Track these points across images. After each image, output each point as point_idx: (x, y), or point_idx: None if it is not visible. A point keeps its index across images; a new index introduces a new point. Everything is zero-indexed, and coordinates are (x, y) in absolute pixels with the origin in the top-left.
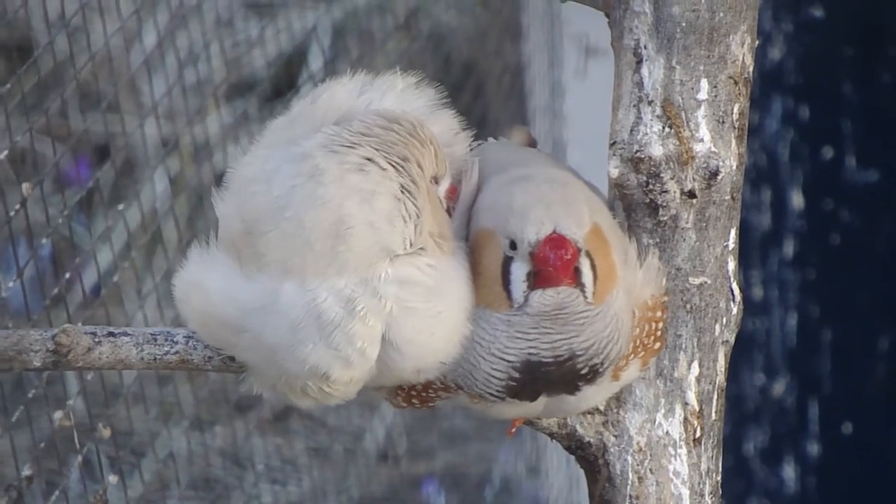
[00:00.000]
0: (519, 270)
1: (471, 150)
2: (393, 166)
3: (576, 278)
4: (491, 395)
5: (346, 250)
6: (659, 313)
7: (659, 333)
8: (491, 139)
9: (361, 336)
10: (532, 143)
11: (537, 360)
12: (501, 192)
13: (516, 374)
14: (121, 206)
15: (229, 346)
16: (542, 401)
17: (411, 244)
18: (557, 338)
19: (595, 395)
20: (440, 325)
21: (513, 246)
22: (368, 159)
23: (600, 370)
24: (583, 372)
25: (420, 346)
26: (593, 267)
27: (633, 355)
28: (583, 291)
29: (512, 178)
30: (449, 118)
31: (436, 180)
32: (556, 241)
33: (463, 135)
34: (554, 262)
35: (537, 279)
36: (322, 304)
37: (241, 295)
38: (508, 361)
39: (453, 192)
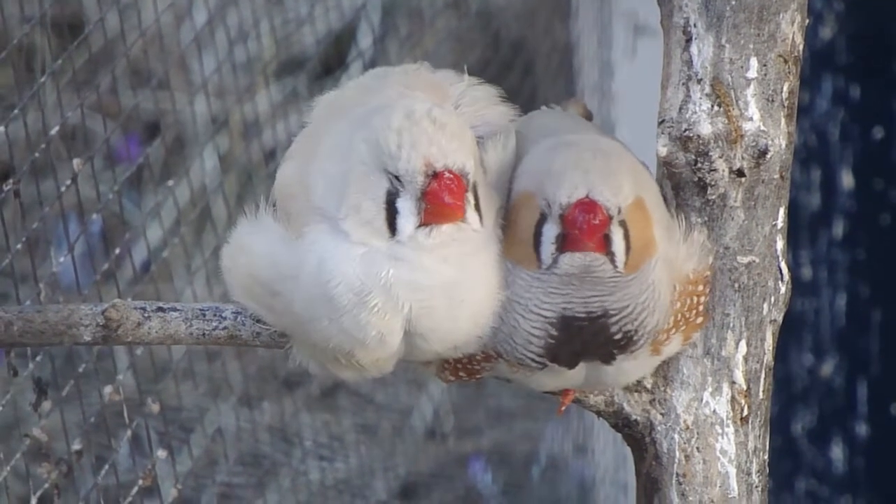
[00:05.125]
0: (549, 232)
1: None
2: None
3: (605, 246)
4: (532, 360)
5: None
6: (701, 287)
7: (701, 308)
8: (544, 107)
9: (376, 326)
10: (588, 116)
11: (571, 314)
12: (545, 156)
13: (553, 332)
14: (170, 183)
15: (268, 309)
16: (582, 372)
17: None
18: (589, 294)
19: (635, 368)
20: (464, 310)
21: (547, 208)
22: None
23: (634, 338)
24: (616, 336)
25: (445, 332)
26: (627, 238)
27: (674, 329)
28: (612, 260)
29: (558, 143)
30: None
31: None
32: (587, 205)
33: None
34: (581, 226)
35: (565, 242)
36: (335, 290)
37: (281, 258)
38: (545, 317)
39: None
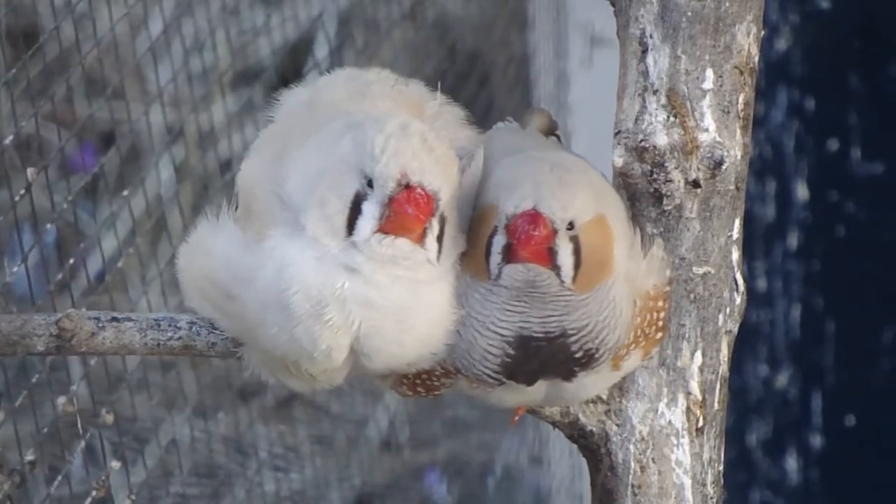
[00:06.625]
0: (498, 243)
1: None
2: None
3: (550, 259)
4: (489, 376)
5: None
6: (661, 303)
7: (661, 323)
8: (500, 123)
9: (326, 340)
10: (553, 126)
11: (528, 334)
12: (508, 169)
13: (511, 350)
14: (125, 193)
15: (221, 312)
16: (542, 388)
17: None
18: (547, 313)
19: (595, 384)
20: (411, 335)
21: (497, 219)
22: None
23: (595, 356)
24: (577, 355)
25: (390, 356)
26: (577, 252)
27: (633, 345)
28: (558, 274)
29: (525, 157)
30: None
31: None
32: (530, 216)
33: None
34: (520, 236)
35: (510, 253)
36: (292, 298)
37: (238, 261)
38: (502, 336)
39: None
